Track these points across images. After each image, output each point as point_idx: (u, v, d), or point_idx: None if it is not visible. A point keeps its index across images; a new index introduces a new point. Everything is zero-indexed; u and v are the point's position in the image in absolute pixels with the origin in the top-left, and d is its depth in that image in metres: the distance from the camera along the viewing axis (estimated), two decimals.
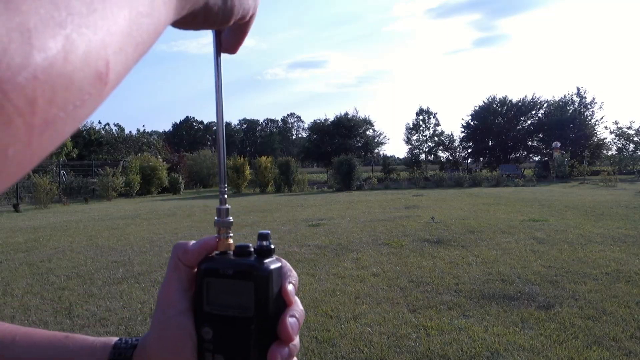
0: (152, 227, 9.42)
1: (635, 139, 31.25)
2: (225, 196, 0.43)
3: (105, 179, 19.84)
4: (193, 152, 34.10)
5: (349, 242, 6.81)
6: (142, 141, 35.51)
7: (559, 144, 30.66)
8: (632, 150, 31.70)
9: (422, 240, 6.66)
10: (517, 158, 40.84)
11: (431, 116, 40.75)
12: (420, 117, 40.78)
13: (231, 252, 0.39)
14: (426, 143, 40.80)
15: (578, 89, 37.82)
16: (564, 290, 4.07)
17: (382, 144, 43.79)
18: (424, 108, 40.90)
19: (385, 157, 42.58)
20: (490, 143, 40.53)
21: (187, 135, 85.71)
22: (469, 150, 41.94)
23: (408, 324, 3.37)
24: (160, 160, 25.64)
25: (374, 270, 5.02)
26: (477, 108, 41.36)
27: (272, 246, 0.39)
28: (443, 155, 41.77)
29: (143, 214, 12.39)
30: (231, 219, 0.41)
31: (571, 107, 37.58)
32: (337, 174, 23.73)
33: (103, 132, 34.94)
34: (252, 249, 0.39)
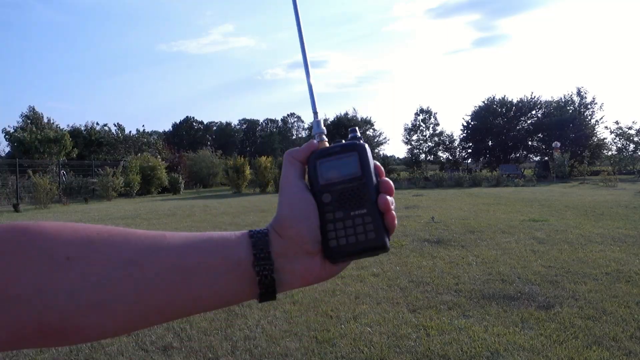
0: (152, 227, 9.42)
1: (635, 139, 31.26)
2: (318, 111, 0.55)
3: (105, 179, 19.84)
4: (193, 152, 34.11)
5: None
6: (142, 141, 35.51)
7: (559, 144, 30.68)
8: (632, 150, 31.70)
9: (422, 240, 6.66)
10: (517, 158, 40.84)
11: (431, 116, 40.77)
12: (420, 117, 40.79)
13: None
14: (426, 143, 40.81)
15: (578, 89, 37.80)
16: (564, 290, 4.07)
17: (381, 144, 43.81)
18: (424, 108, 40.93)
19: (385, 157, 42.60)
20: (490, 143, 40.54)
21: (187, 135, 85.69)
22: (469, 150, 41.94)
23: (408, 324, 3.37)
24: (160, 160, 25.65)
25: (374, 270, 5.02)
26: (477, 108, 41.37)
27: (357, 134, 0.53)
28: (443, 155, 41.80)
29: (143, 214, 12.39)
30: (324, 128, 0.54)
31: (571, 107, 37.56)
32: None
33: (103, 132, 34.93)
34: (342, 141, 0.52)
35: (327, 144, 0.53)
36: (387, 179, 0.51)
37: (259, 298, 0.48)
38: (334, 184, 0.50)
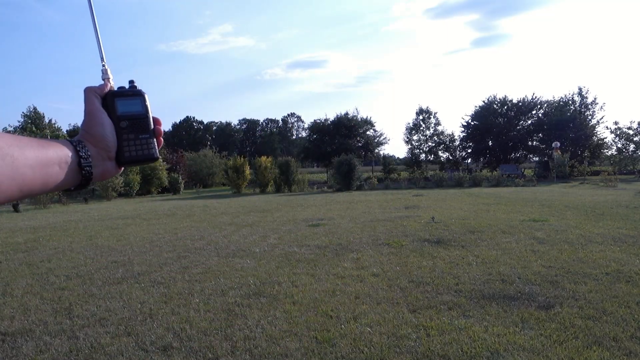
0: (151, 227, 9.41)
1: (635, 139, 31.25)
2: (104, 63, 0.75)
3: None
4: (193, 152, 34.08)
5: (349, 242, 6.81)
6: None
7: (559, 144, 30.67)
8: (632, 151, 31.69)
9: (422, 240, 6.65)
10: (517, 158, 40.80)
11: (431, 116, 40.72)
12: (420, 117, 40.74)
13: (114, 89, 0.73)
14: (426, 143, 40.77)
15: (580, 89, 37.70)
16: (564, 290, 4.07)
17: (382, 144, 43.77)
18: (424, 108, 40.88)
19: (385, 157, 42.56)
20: (490, 143, 40.49)
21: (187, 135, 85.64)
22: (469, 150, 41.89)
23: (408, 324, 3.36)
24: (160, 160, 25.62)
25: (374, 270, 5.01)
26: (477, 108, 41.33)
27: (135, 85, 0.75)
28: (443, 155, 41.74)
29: (143, 214, 12.38)
30: (110, 74, 0.75)
31: (571, 107, 37.53)
32: (337, 174, 23.72)
33: None
34: (126, 87, 0.74)
35: (114, 87, 0.74)
36: (156, 117, 0.76)
37: (76, 187, 0.68)
38: (128, 115, 0.72)
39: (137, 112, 0.73)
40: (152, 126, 0.74)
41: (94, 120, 0.69)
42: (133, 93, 0.73)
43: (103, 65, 0.75)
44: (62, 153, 0.64)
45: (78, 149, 0.65)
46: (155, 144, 0.74)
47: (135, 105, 0.73)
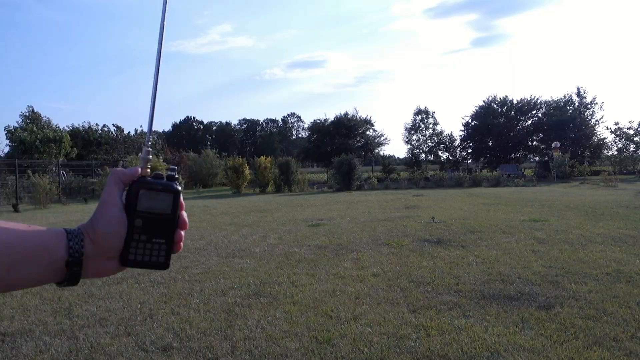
0: None
1: (635, 139, 31.24)
2: (150, 142, 0.65)
3: (104, 179, 19.82)
4: (193, 152, 34.09)
5: (349, 242, 6.80)
6: (141, 141, 35.48)
7: (559, 144, 30.66)
8: (632, 151, 31.69)
9: (422, 241, 6.65)
10: (517, 158, 40.80)
11: (429, 116, 40.70)
12: (419, 117, 40.72)
13: (149, 177, 0.63)
14: (426, 143, 40.75)
15: (578, 89, 37.73)
16: (565, 290, 4.06)
17: (382, 144, 43.76)
18: (422, 108, 40.85)
19: (385, 157, 42.55)
20: (490, 143, 40.48)
21: (187, 135, 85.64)
22: (469, 150, 41.89)
23: (408, 324, 3.36)
24: (161, 160, 25.64)
25: (374, 270, 5.01)
26: (477, 108, 41.33)
27: (177, 175, 0.64)
28: (443, 155, 41.73)
29: None
30: (150, 156, 0.64)
31: (571, 107, 37.53)
32: (337, 174, 23.72)
33: (102, 132, 34.91)
34: (163, 175, 0.63)
35: (148, 171, 0.63)
36: (184, 214, 0.64)
37: (60, 285, 0.60)
38: (148, 213, 0.61)
39: (160, 212, 0.62)
40: (174, 231, 0.63)
41: (102, 214, 0.59)
42: (163, 188, 0.62)
43: (147, 144, 0.65)
44: (45, 253, 0.55)
45: (70, 245, 0.57)
46: (171, 250, 0.64)
47: (162, 202, 0.62)
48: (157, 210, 0.62)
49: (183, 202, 0.64)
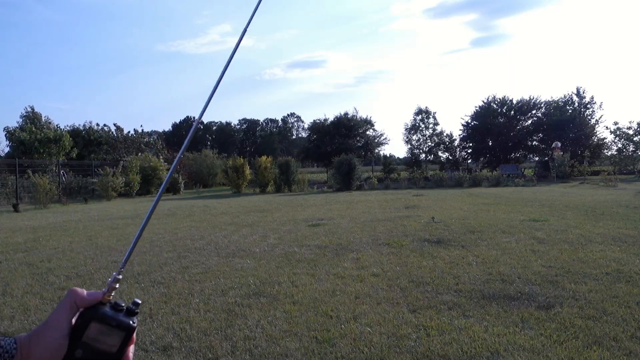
0: (152, 227, 9.41)
1: (635, 139, 31.24)
2: (122, 269, 0.64)
3: (105, 178, 19.82)
4: (193, 153, 34.11)
5: (349, 242, 6.80)
6: (142, 141, 35.50)
7: (559, 144, 30.66)
8: (632, 150, 31.68)
9: (422, 240, 6.65)
10: (517, 158, 40.79)
11: (430, 116, 40.69)
12: (419, 117, 40.72)
13: (108, 305, 0.60)
14: (426, 143, 40.74)
15: (578, 89, 37.71)
16: (564, 290, 4.07)
17: (382, 144, 43.75)
18: (422, 108, 40.84)
19: (385, 157, 42.53)
20: (490, 143, 40.48)
21: (187, 135, 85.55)
22: (469, 150, 41.88)
23: (408, 324, 3.36)
24: (161, 160, 25.64)
25: (374, 270, 5.01)
26: (477, 108, 41.33)
27: (137, 310, 0.61)
28: (443, 155, 41.72)
29: (143, 214, 12.37)
30: (117, 285, 0.62)
31: (571, 107, 37.53)
32: (337, 174, 23.72)
33: (102, 132, 34.90)
34: (124, 307, 0.60)
35: (111, 298, 0.61)
36: (131, 349, 0.61)
37: None
38: (92, 347, 0.58)
39: (105, 350, 0.58)
40: None
41: (43, 336, 0.56)
42: (117, 324, 0.58)
43: (117, 273, 0.63)
44: None
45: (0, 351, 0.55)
46: None
47: (111, 339, 0.58)
48: (102, 347, 0.58)
49: (134, 338, 0.61)
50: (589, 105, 36.88)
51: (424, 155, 40.87)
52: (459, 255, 5.63)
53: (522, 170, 34.18)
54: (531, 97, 40.10)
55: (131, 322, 0.59)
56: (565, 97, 38.40)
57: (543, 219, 8.61)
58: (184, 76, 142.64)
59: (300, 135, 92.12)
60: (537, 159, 40.34)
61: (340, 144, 38.71)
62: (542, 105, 39.71)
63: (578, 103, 37.28)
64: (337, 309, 3.75)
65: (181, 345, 3.13)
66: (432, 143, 40.86)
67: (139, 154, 28.73)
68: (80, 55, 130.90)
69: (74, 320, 0.58)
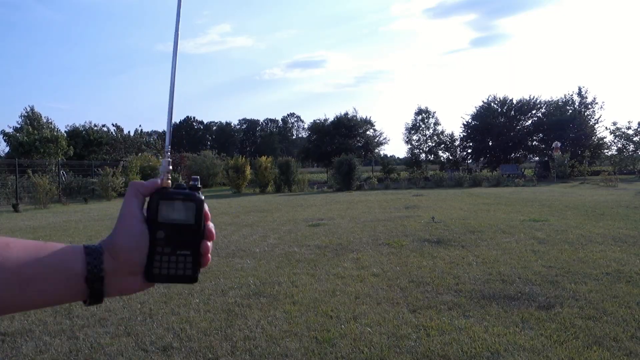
0: None
1: (635, 139, 31.24)
2: (169, 152, 0.64)
3: (104, 179, 19.82)
4: (194, 153, 34.10)
5: (349, 242, 6.80)
6: (141, 141, 35.49)
7: (559, 144, 30.64)
8: (632, 150, 31.67)
9: (422, 240, 6.65)
10: (517, 158, 40.78)
11: (430, 116, 40.70)
12: (419, 117, 40.72)
13: (170, 188, 0.60)
14: (426, 143, 40.74)
15: (579, 89, 37.72)
16: (565, 290, 4.06)
17: (382, 144, 43.76)
18: (423, 108, 40.84)
19: (385, 157, 42.53)
20: (490, 143, 40.47)
21: (187, 135, 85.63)
22: (469, 150, 41.88)
23: (408, 324, 3.36)
24: (161, 160, 25.61)
25: (374, 270, 5.01)
26: (477, 108, 41.33)
27: (199, 186, 0.61)
28: (443, 155, 41.73)
29: None
30: (170, 167, 0.62)
31: (571, 107, 37.53)
32: (337, 174, 23.72)
33: (102, 132, 34.88)
34: (185, 186, 0.61)
35: (169, 182, 0.61)
36: (211, 225, 0.61)
37: (86, 304, 0.56)
38: (170, 224, 0.59)
39: (183, 222, 0.59)
40: (199, 241, 0.60)
41: (121, 227, 0.57)
42: (185, 197, 0.59)
43: (166, 155, 0.63)
44: (61, 269, 0.53)
45: (88, 260, 0.54)
46: (198, 262, 0.60)
47: (184, 212, 0.59)
48: (179, 221, 0.59)
49: (209, 213, 0.61)
50: (590, 106, 36.89)
51: (424, 155, 40.89)
52: (459, 255, 5.63)
53: (522, 170, 34.17)
54: (531, 97, 40.12)
55: (197, 194, 0.60)
56: (565, 97, 38.42)
57: (543, 219, 8.61)
58: (184, 76, 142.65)
59: (300, 135, 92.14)
60: (537, 159, 40.32)
61: (340, 144, 38.71)
62: (542, 105, 39.72)
63: (579, 103, 37.28)
64: (337, 309, 3.75)
65: (181, 345, 3.12)
66: (432, 143, 40.87)
67: (139, 154, 28.72)
68: (80, 55, 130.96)
69: (145, 210, 0.59)
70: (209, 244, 0.60)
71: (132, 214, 0.57)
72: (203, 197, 0.60)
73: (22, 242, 0.52)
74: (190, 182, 0.61)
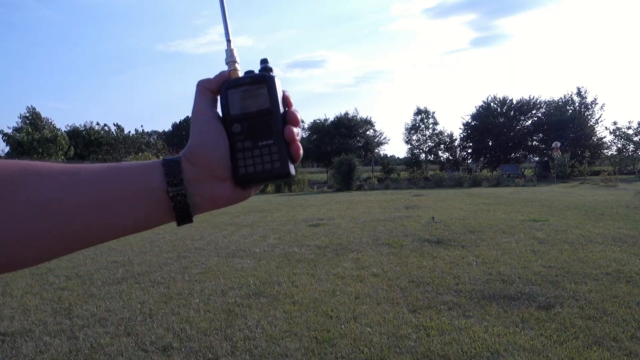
0: None
1: (635, 139, 31.25)
2: (231, 39, 0.54)
3: None
4: None
5: (349, 242, 6.80)
6: (142, 141, 35.51)
7: (559, 144, 30.65)
8: (632, 150, 31.68)
9: (422, 240, 6.65)
10: (517, 158, 40.79)
11: (429, 116, 40.69)
12: (419, 117, 40.72)
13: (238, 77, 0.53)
14: (426, 143, 40.75)
15: (579, 89, 37.78)
16: (565, 290, 4.06)
17: (382, 144, 43.76)
18: (422, 108, 40.84)
19: (385, 157, 42.53)
20: (490, 143, 40.48)
21: (187, 135, 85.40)
22: (469, 150, 41.89)
23: (408, 324, 3.36)
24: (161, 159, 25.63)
25: (374, 270, 5.01)
26: (477, 108, 41.34)
27: (269, 66, 0.53)
28: (443, 155, 41.73)
29: None
30: (236, 57, 0.54)
31: (571, 107, 37.54)
32: (337, 174, 23.72)
33: (102, 132, 34.90)
34: (253, 70, 0.53)
35: (239, 74, 0.53)
36: (294, 109, 0.53)
37: (177, 222, 0.52)
38: (244, 114, 0.51)
39: (257, 109, 0.51)
40: (281, 127, 0.52)
41: (193, 129, 0.51)
42: (253, 80, 0.52)
43: (228, 44, 0.54)
44: (139, 185, 0.48)
45: (166, 171, 0.49)
46: (286, 152, 0.52)
47: (257, 96, 0.52)
48: (252, 108, 0.51)
49: (289, 96, 0.53)
50: (590, 106, 36.89)
51: (424, 155, 40.89)
52: (459, 255, 5.63)
53: (522, 170, 34.16)
54: (531, 97, 40.14)
55: (270, 73, 0.52)
56: (565, 97, 38.42)
57: (543, 219, 8.61)
58: (184, 76, 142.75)
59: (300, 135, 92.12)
60: (537, 159, 40.33)
61: (340, 144, 38.71)
62: (542, 105, 39.73)
63: (579, 103, 37.29)
64: (337, 309, 3.75)
65: (181, 345, 3.13)
66: (432, 143, 40.87)
67: (140, 154, 28.73)
68: (80, 55, 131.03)
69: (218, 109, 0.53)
70: (294, 129, 0.52)
71: (201, 111, 0.51)
72: (275, 75, 0.52)
73: (93, 166, 0.49)
74: (260, 66, 0.54)
